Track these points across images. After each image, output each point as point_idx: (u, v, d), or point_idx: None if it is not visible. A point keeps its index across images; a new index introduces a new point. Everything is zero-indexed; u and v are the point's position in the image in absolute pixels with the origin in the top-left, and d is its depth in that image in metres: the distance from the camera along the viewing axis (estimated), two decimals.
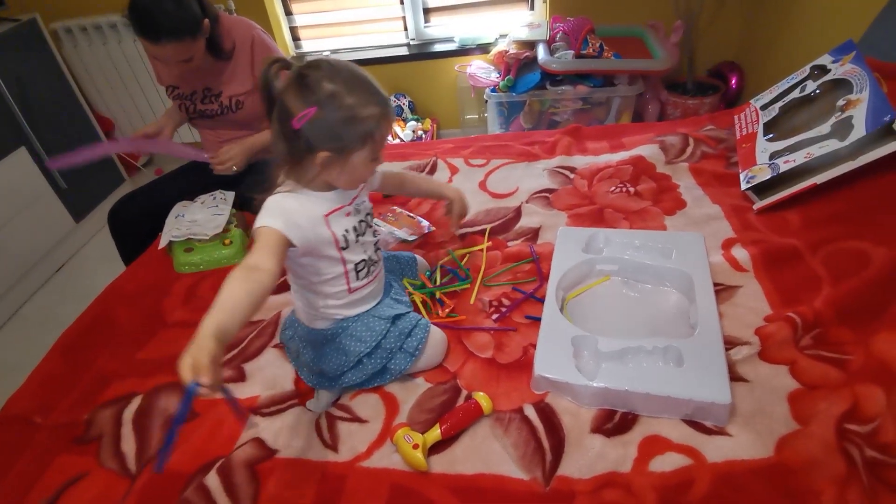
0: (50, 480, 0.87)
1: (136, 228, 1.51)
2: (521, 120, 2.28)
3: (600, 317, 1.04)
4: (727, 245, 1.15)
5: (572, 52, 2.09)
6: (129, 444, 0.92)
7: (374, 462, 0.84)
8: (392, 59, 2.50)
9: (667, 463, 0.78)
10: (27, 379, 1.07)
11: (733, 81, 2.26)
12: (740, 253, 1.11)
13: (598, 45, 2.10)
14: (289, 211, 0.81)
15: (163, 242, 1.33)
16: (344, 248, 0.87)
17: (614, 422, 0.85)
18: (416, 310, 1.05)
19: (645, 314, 1.04)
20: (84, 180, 2.31)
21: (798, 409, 0.81)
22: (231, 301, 0.68)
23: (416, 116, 2.57)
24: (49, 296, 2.05)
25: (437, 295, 1.11)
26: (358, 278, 0.91)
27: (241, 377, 1.01)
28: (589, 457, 0.80)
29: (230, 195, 1.45)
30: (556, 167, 1.52)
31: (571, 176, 1.47)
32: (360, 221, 0.91)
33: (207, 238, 1.32)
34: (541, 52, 2.12)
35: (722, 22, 2.26)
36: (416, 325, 0.95)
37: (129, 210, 1.54)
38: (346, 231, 0.87)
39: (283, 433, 0.89)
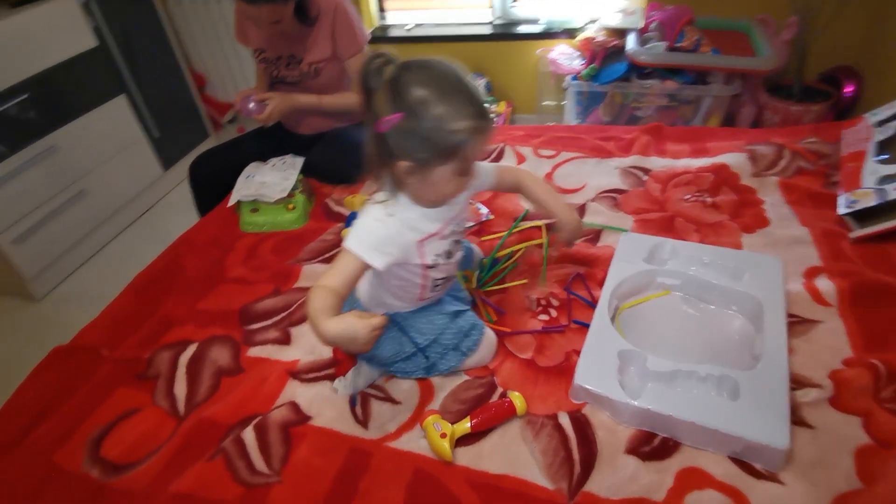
0: (109, 409, 0.95)
1: (213, 183, 1.58)
2: (599, 112, 2.17)
3: (653, 333, 0.98)
4: (810, 274, 1.04)
5: (665, 43, 1.95)
6: (181, 388, 0.98)
7: (401, 444, 0.85)
8: (474, 38, 2.45)
9: (705, 499, 0.73)
10: (101, 313, 1.16)
11: (849, 90, 2.03)
12: (825, 284, 1.01)
13: (695, 38, 1.94)
14: (381, 241, 0.79)
15: (232, 200, 1.40)
16: (430, 268, 0.87)
17: (653, 445, 0.80)
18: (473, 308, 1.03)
19: (703, 337, 0.97)
20: (175, 131, 2.46)
21: (864, 466, 0.74)
22: (323, 310, 0.73)
23: (491, 98, 2.52)
24: (133, 237, 2.22)
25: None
26: (432, 290, 0.92)
27: (286, 339, 1.05)
28: (620, 477, 0.76)
29: (299, 161, 1.48)
30: (630, 167, 1.44)
31: (645, 178, 1.39)
32: (455, 242, 0.89)
33: (272, 201, 1.36)
34: (630, 42, 2.00)
35: (844, 21, 2.00)
36: (473, 326, 0.94)
37: (208, 165, 1.62)
38: (438, 255, 0.86)
39: (318, 401, 0.91)
